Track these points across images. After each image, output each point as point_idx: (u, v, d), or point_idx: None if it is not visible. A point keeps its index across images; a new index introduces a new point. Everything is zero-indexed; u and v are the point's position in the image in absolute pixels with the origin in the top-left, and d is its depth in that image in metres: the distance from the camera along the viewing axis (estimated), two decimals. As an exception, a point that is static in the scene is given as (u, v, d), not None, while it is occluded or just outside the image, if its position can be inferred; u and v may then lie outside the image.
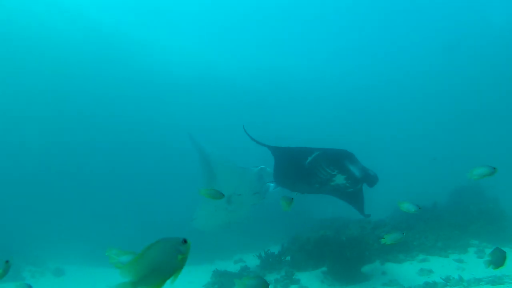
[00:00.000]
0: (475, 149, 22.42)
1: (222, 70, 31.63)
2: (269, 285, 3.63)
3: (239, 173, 9.13)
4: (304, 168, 6.56)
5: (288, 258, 9.45)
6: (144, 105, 28.82)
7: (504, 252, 4.59)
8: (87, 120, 26.46)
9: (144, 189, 21.22)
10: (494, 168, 4.60)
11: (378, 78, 31.77)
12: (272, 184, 9.17)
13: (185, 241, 2.20)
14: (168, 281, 2.22)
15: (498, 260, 4.49)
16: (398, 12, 28.82)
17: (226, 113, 29.46)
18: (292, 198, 5.31)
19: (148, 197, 19.77)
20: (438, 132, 27.16)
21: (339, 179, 6.36)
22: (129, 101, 28.43)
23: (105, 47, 26.72)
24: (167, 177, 22.76)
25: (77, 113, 26.33)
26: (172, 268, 2.21)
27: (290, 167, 6.85)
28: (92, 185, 21.73)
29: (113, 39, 26.85)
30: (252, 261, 10.13)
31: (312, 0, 29.58)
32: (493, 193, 12.24)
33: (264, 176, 9.20)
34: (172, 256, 2.21)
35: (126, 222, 15.75)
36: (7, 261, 3.63)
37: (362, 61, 31.95)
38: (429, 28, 29.64)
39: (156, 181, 22.80)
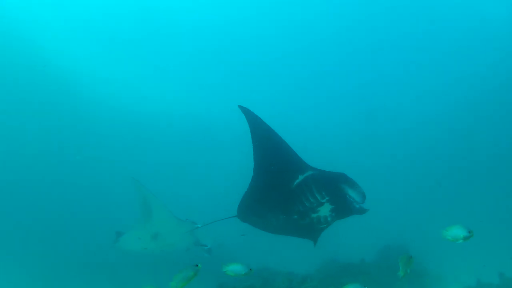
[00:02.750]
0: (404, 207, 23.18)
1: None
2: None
3: (175, 222, 9.04)
4: (289, 192, 5.24)
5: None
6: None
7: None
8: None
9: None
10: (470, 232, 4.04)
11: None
12: (206, 248, 8.98)
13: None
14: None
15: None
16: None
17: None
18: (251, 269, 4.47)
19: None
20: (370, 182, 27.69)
21: (325, 210, 5.23)
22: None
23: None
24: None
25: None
26: None
27: (271, 188, 5.44)
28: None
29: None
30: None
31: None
32: (418, 252, 12.60)
33: (197, 234, 9.20)
34: None
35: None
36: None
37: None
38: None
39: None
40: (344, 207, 5.13)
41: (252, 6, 27.33)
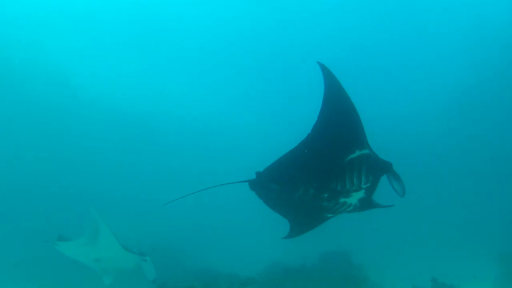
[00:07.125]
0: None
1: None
2: None
3: (122, 253, 8.82)
4: (338, 165, 4.68)
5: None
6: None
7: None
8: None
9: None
10: None
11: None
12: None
13: None
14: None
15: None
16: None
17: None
18: None
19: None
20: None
21: (356, 197, 4.79)
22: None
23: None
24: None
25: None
26: None
27: (322, 156, 4.76)
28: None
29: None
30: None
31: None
32: (359, 259, 12.92)
33: (143, 265, 9.03)
34: None
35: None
36: None
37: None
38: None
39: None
40: (372, 201, 4.82)
41: (252, 6, 27.22)
